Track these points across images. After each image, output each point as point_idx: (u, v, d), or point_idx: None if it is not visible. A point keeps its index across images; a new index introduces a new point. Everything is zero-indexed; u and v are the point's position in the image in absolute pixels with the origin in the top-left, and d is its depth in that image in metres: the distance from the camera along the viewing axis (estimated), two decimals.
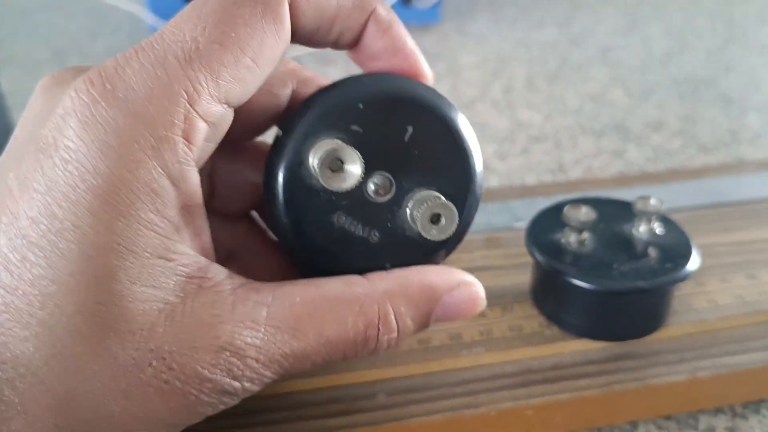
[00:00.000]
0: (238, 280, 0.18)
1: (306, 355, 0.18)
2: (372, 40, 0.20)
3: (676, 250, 0.23)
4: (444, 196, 0.18)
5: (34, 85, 0.47)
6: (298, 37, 0.19)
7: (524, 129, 0.42)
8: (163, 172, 0.17)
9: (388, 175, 0.19)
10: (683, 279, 0.22)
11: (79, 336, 0.16)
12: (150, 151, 0.16)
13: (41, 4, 0.64)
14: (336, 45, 0.20)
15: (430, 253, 0.19)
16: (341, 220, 0.19)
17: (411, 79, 0.20)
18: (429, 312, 0.19)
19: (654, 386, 0.23)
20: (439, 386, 0.23)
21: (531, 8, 0.61)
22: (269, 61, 0.18)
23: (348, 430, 0.22)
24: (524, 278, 0.26)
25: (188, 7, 0.17)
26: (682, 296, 0.25)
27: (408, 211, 0.19)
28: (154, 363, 0.17)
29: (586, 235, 0.24)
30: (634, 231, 0.24)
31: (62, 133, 0.16)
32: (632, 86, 0.47)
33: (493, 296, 0.26)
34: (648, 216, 0.24)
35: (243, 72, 0.17)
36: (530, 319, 0.25)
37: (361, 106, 0.19)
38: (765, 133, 0.41)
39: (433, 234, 0.18)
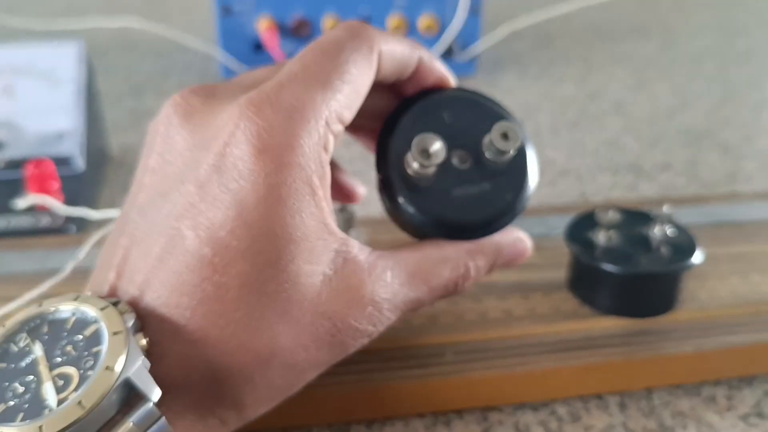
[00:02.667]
0: (367, 249, 0.24)
1: (419, 301, 0.25)
2: (423, 73, 0.26)
3: (683, 247, 0.30)
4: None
5: (117, 116, 0.58)
6: (378, 76, 0.25)
7: (550, 165, 0.49)
8: (315, 173, 0.22)
9: (463, 149, 0.26)
10: (688, 268, 0.29)
11: (275, 309, 0.22)
12: (304, 159, 0.22)
13: (120, 43, 0.72)
14: (398, 79, 0.26)
15: (522, 173, 0.26)
16: (457, 191, 0.26)
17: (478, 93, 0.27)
18: (495, 261, 0.26)
19: (665, 356, 0.29)
20: (495, 349, 0.29)
21: (551, 67, 0.68)
22: (366, 92, 0.24)
23: (423, 379, 0.27)
24: (560, 273, 0.32)
25: (314, 50, 0.23)
26: (688, 290, 0.31)
27: (486, 157, 0.26)
28: (325, 323, 0.23)
29: (612, 233, 0.30)
30: (650, 232, 0.30)
31: (233, 154, 0.21)
32: (642, 135, 0.54)
33: (535, 285, 0.32)
34: (662, 220, 0.30)
35: (354, 102, 0.24)
36: (567, 301, 0.31)
37: (421, 106, 0.26)
38: (758, 175, 0.48)
39: (509, 146, 0.25)
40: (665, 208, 0.30)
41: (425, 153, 0.25)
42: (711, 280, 0.32)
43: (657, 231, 0.30)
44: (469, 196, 0.26)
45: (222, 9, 0.58)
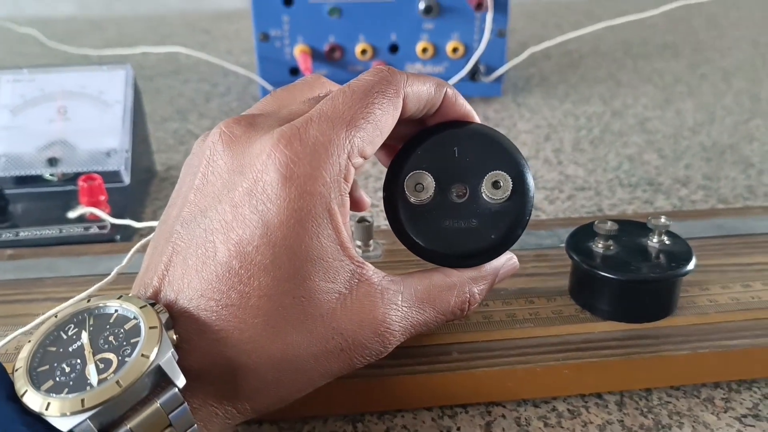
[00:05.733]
0: (380, 273, 0.27)
1: (425, 324, 0.27)
2: (446, 109, 0.29)
3: (679, 255, 0.31)
4: (502, 199, 0.28)
5: (162, 136, 0.62)
6: (404, 115, 0.27)
7: (570, 180, 0.51)
8: (335, 200, 0.25)
9: (462, 184, 0.28)
10: (683, 275, 0.30)
11: (289, 319, 0.24)
12: (324, 188, 0.25)
13: (166, 69, 0.76)
14: (426, 115, 0.29)
15: (513, 218, 0.28)
16: (447, 222, 0.28)
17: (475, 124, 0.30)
18: (494, 282, 0.29)
19: (663, 357, 0.30)
20: (498, 349, 0.30)
21: (579, 86, 0.70)
22: (389, 130, 0.27)
23: (430, 374, 0.30)
24: (564, 282, 0.34)
25: (345, 92, 0.26)
26: (688, 297, 0.33)
27: (483, 196, 0.28)
28: (336, 337, 0.25)
29: (611, 242, 0.32)
30: (648, 242, 0.32)
31: (264, 180, 0.24)
32: (665, 150, 0.55)
33: (539, 291, 0.34)
34: (659, 230, 0.32)
35: (376, 139, 0.26)
36: (568, 306, 0.33)
37: (433, 140, 0.29)
38: None
39: (498, 194, 0.27)
40: (663, 219, 0.32)
41: (419, 186, 0.28)
42: (713, 288, 0.34)
43: (655, 241, 0.32)
44: (456, 229, 0.28)
45: (260, 36, 0.61)
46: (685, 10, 0.94)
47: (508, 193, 0.28)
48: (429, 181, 0.28)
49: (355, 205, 0.32)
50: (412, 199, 0.28)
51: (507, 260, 0.30)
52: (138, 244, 0.32)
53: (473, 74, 0.62)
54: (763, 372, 0.31)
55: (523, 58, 0.63)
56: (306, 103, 0.28)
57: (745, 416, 0.30)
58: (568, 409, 0.30)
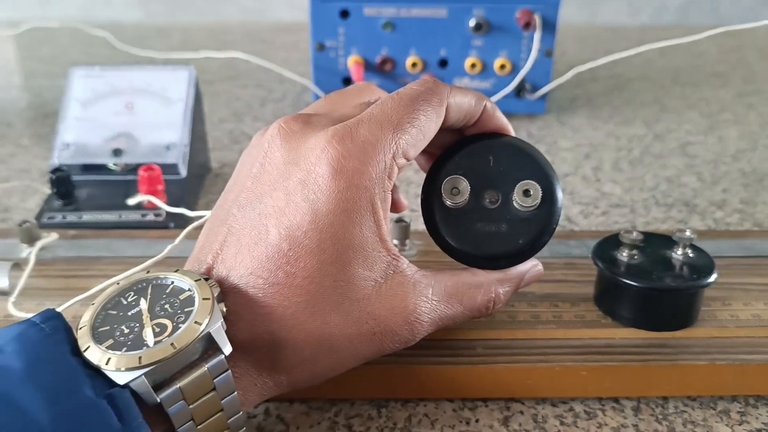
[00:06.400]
0: (414, 267, 0.29)
1: (452, 318, 0.29)
2: (485, 121, 0.31)
3: (702, 268, 0.32)
4: (531, 204, 0.30)
5: (218, 135, 0.66)
6: (445, 124, 0.29)
7: (607, 198, 0.52)
8: (378, 195, 0.27)
9: (495, 191, 0.30)
10: (704, 286, 0.31)
11: (329, 300, 0.27)
12: (370, 183, 0.27)
13: (227, 73, 0.80)
14: (465, 125, 0.31)
15: (540, 225, 0.30)
16: (478, 225, 0.30)
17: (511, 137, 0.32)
18: (519, 285, 0.31)
19: (680, 366, 0.31)
20: (521, 347, 0.32)
21: (623, 108, 0.71)
22: (432, 135, 0.29)
23: (454, 366, 0.31)
24: (589, 290, 0.35)
25: (394, 99, 0.28)
26: (709, 311, 0.34)
27: (513, 203, 0.30)
28: (370, 321, 0.27)
29: (635, 252, 0.33)
30: (672, 254, 0.33)
31: (316, 172, 0.26)
32: (704, 174, 0.56)
33: (565, 297, 0.35)
34: (684, 242, 0.33)
35: (419, 143, 0.28)
36: (591, 312, 0.34)
37: (471, 148, 0.31)
38: None
39: (528, 202, 0.29)
40: (688, 232, 0.33)
41: (455, 190, 0.30)
42: (735, 304, 0.35)
43: (679, 253, 0.33)
44: (486, 232, 0.30)
45: (317, 46, 0.64)
46: (737, 38, 0.94)
47: (538, 201, 0.30)
48: (465, 186, 0.30)
49: (394, 206, 0.34)
50: (448, 202, 0.30)
51: (533, 266, 0.31)
52: (189, 227, 0.35)
53: (518, 91, 0.64)
54: None
55: (568, 78, 0.64)
56: (357, 107, 0.30)
57: (759, 431, 0.31)
58: (585, 411, 0.32)
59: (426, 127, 0.28)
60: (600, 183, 0.54)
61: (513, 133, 0.32)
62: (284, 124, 0.29)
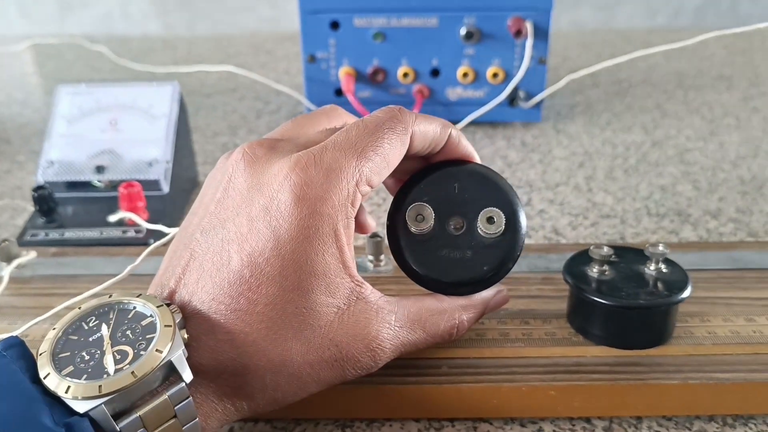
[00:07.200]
0: (377, 293, 0.28)
1: (415, 344, 0.29)
2: (450, 148, 0.31)
3: (675, 284, 0.31)
4: (494, 233, 0.30)
5: (211, 149, 0.66)
6: (410, 151, 0.29)
7: (597, 208, 0.51)
8: (341, 222, 0.27)
9: (460, 218, 0.30)
10: (675, 303, 0.30)
11: (290, 327, 0.26)
12: (333, 210, 0.27)
13: (222, 87, 0.80)
14: (431, 153, 0.31)
15: (504, 252, 0.30)
16: (443, 252, 0.30)
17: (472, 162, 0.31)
18: (483, 312, 0.31)
19: (652, 386, 0.30)
20: (488, 366, 0.31)
21: (623, 115, 0.69)
22: (396, 163, 0.28)
23: (419, 386, 0.31)
24: (562, 305, 0.35)
25: (358, 126, 0.28)
26: (686, 327, 0.33)
27: (478, 230, 0.30)
28: (332, 348, 0.27)
29: (606, 268, 0.32)
30: (645, 269, 0.32)
31: (279, 199, 0.26)
32: (701, 182, 0.55)
33: (537, 313, 0.34)
34: (657, 257, 0.32)
35: (383, 170, 0.28)
36: (562, 329, 0.33)
37: (436, 175, 0.31)
38: None
39: (492, 229, 0.29)
40: (660, 247, 0.32)
41: (420, 217, 0.30)
42: (714, 320, 0.33)
43: (652, 268, 0.32)
44: (451, 259, 0.30)
45: (308, 57, 0.64)
46: (746, 40, 0.92)
47: (502, 228, 0.29)
48: (429, 213, 0.30)
49: (361, 228, 0.34)
50: (413, 229, 0.30)
51: (497, 292, 0.31)
52: (150, 247, 0.35)
53: (512, 99, 0.63)
54: (759, 408, 0.31)
55: (562, 85, 0.63)
56: (323, 132, 0.30)
57: None
58: (554, 431, 0.31)
59: (390, 155, 0.28)
60: (592, 193, 0.53)
61: (479, 160, 0.32)
62: (248, 149, 0.28)
